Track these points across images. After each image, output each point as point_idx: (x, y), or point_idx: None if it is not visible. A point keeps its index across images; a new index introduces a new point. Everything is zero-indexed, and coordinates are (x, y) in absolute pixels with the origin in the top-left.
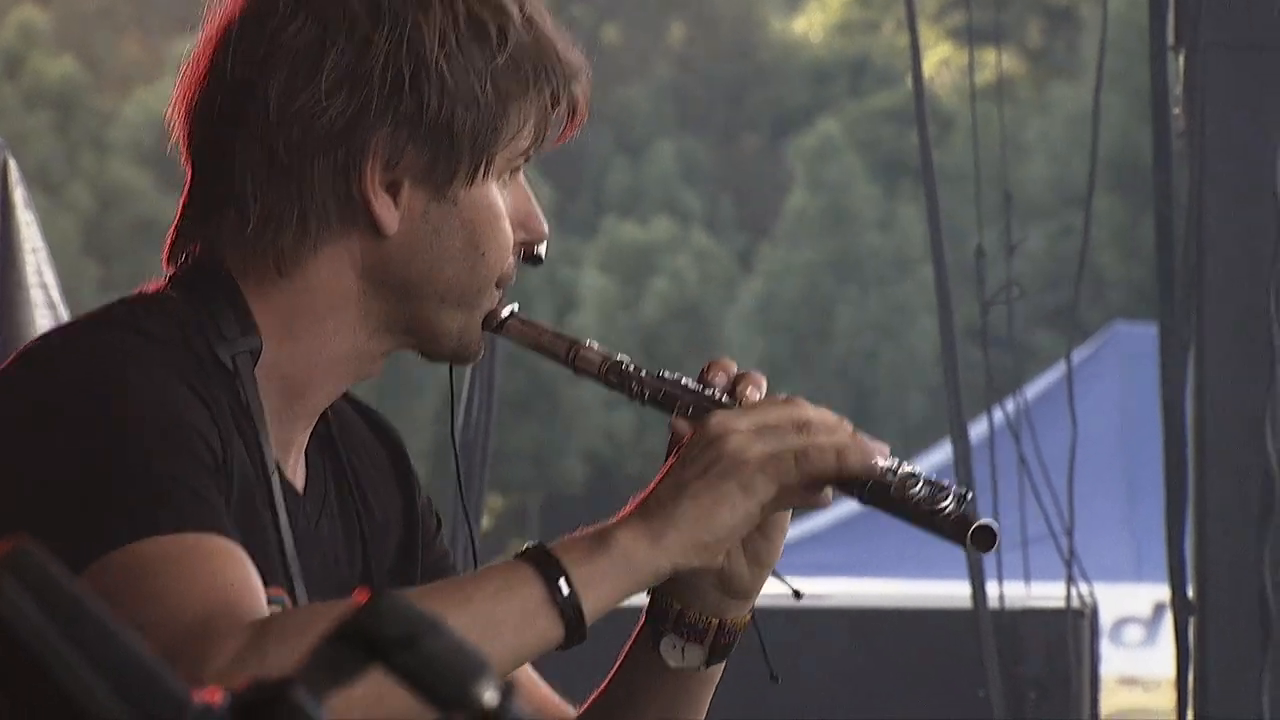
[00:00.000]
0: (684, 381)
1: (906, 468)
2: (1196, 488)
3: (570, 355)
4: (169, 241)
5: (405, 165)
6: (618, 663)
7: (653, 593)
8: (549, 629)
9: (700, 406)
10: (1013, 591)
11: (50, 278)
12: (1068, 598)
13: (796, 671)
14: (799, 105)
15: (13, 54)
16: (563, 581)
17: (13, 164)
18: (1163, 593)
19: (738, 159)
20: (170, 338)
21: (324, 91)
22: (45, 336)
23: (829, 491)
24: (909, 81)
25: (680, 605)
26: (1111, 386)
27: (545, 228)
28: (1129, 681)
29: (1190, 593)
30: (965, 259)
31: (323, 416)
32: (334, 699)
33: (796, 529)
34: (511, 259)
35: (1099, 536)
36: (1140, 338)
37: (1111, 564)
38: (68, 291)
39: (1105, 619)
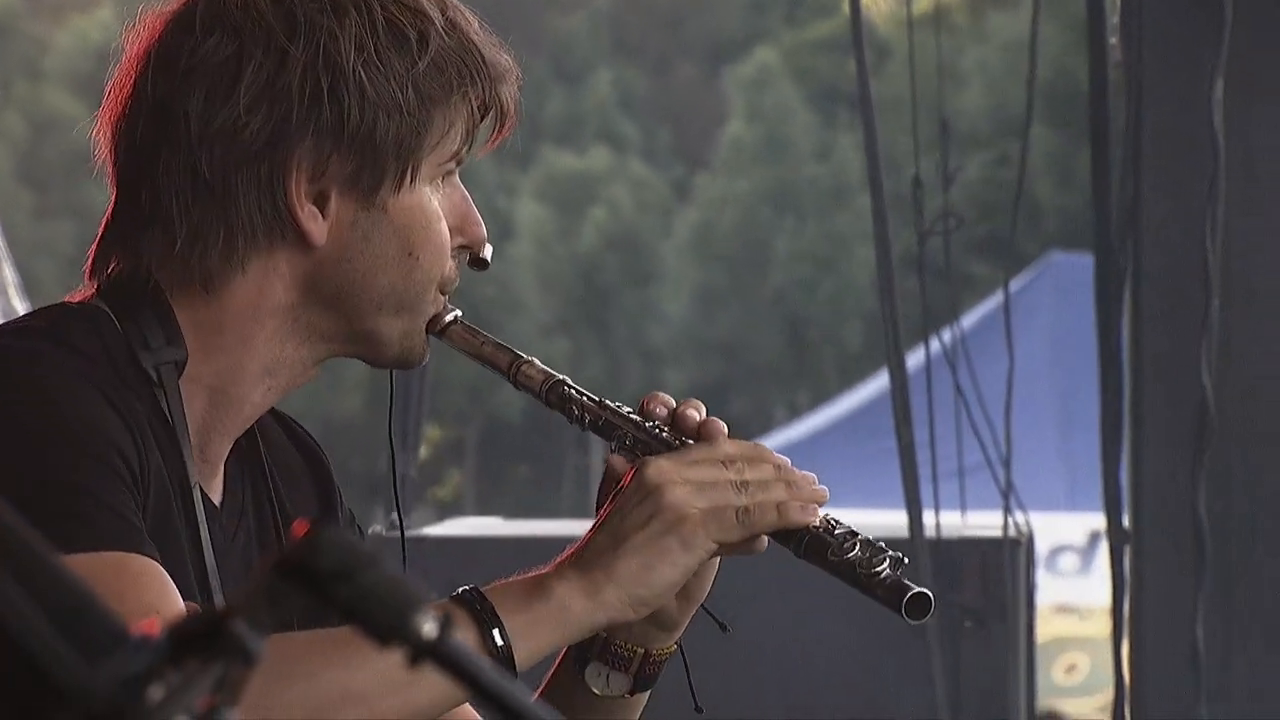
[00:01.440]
0: (625, 411)
1: (844, 525)
2: (1132, 417)
3: (512, 370)
4: (91, 255)
5: (330, 176)
6: (542, 687)
7: None
8: None
9: (639, 440)
10: (949, 521)
11: None
12: (1004, 527)
13: (732, 599)
14: (736, 34)
15: None
16: (497, 632)
17: None
18: (1097, 521)
19: (675, 88)
20: (92, 349)
21: (243, 107)
22: None
23: (764, 540)
24: (846, 10)
25: (607, 634)
26: (1047, 316)
27: (483, 231)
28: (1064, 610)
29: (1125, 521)
30: (902, 189)
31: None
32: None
33: None
34: (451, 263)
35: (1034, 466)
36: (1076, 267)
37: (1046, 493)
38: (5, 218)
39: (1040, 548)
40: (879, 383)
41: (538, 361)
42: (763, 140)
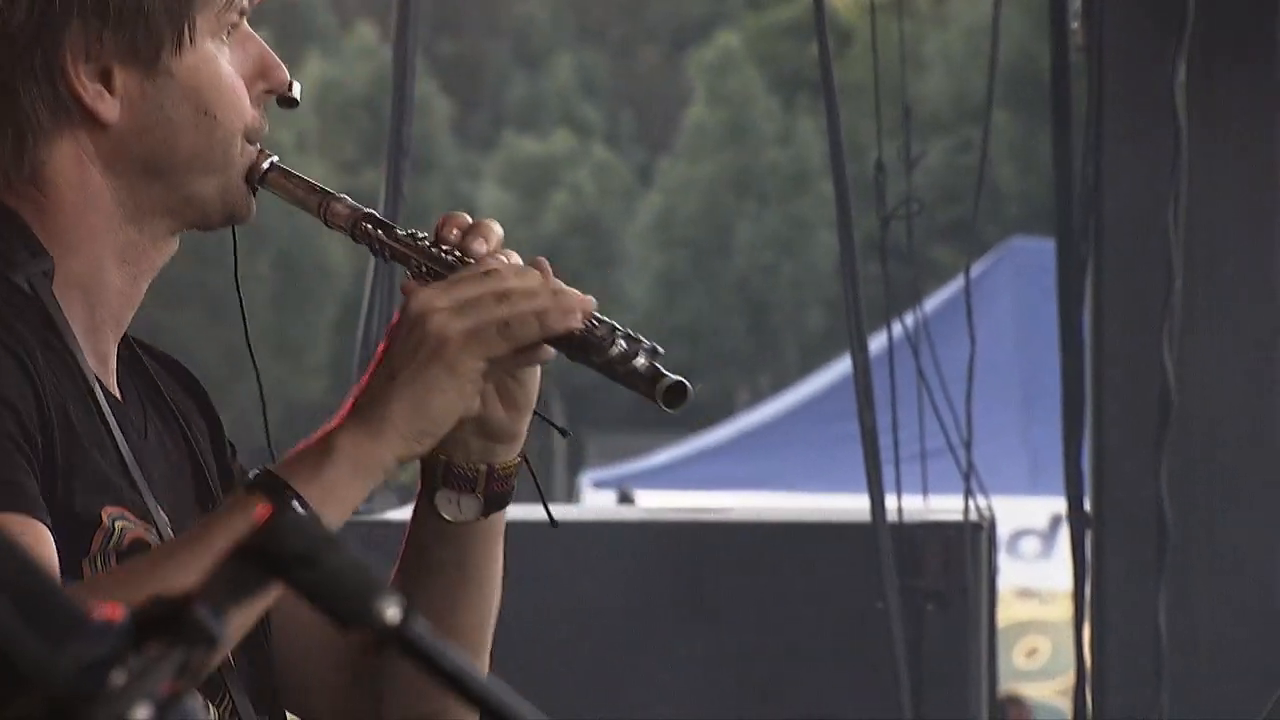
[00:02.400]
0: (423, 240)
1: (606, 322)
2: (1094, 401)
3: (321, 208)
4: None
5: (107, 52)
6: (405, 533)
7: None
8: None
9: (432, 269)
10: (911, 505)
11: None
12: (965, 511)
13: (695, 584)
14: (698, 18)
15: None
16: (296, 505)
17: None
18: (1059, 505)
19: (637, 72)
20: None
21: (3, 4)
22: None
23: (548, 350)
24: None
25: (446, 457)
26: (1009, 301)
27: (284, 73)
28: (1026, 594)
29: (1087, 505)
30: (865, 173)
31: (123, 339)
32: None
33: (694, 443)
34: (254, 111)
35: (996, 449)
36: (1038, 252)
37: (1008, 477)
38: None
39: (1002, 532)
40: (841, 367)
41: (349, 199)
42: (725, 125)
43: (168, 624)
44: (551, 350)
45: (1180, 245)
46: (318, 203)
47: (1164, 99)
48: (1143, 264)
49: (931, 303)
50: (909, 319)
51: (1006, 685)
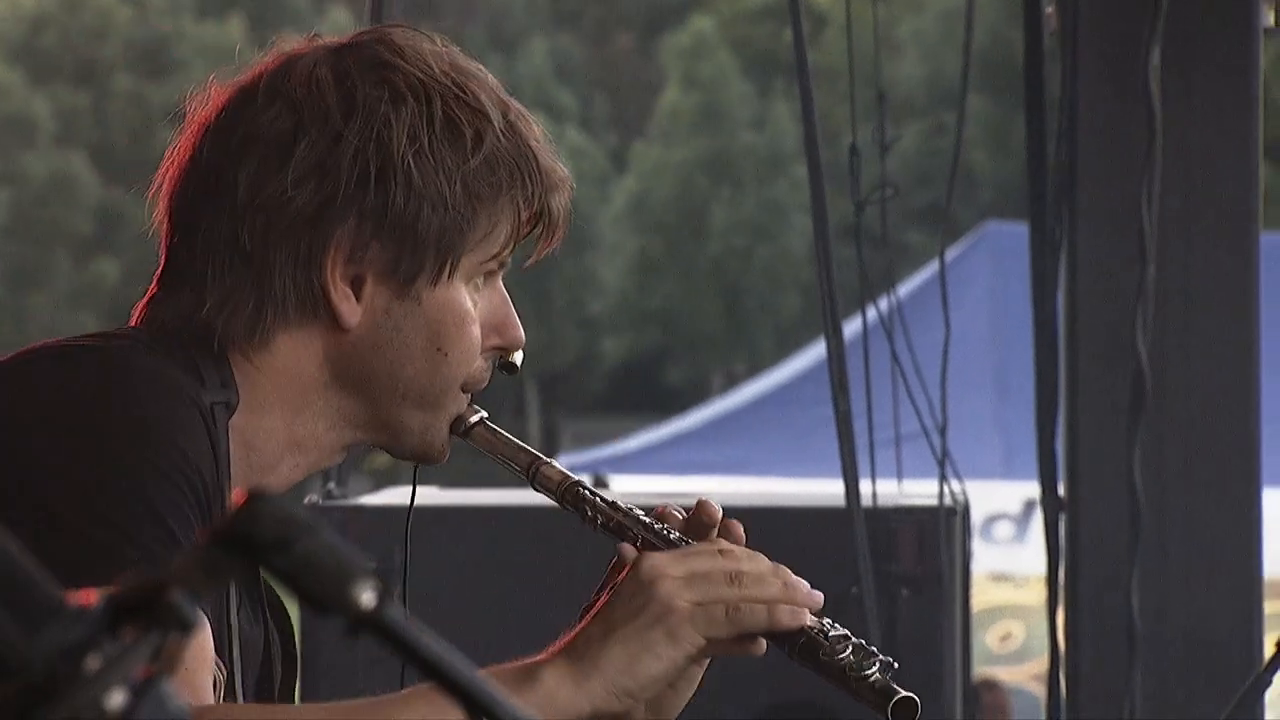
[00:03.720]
0: (638, 514)
1: (838, 628)
2: (1068, 385)
3: (531, 470)
4: (135, 316)
5: (369, 260)
6: None
7: None
8: None
9: (649, 543)
10: (885, 489)
11: None
12: (940, 495)
13: None
14: (672, 3)
15: None
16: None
17: None
18: (1032, 490)
19: (611, 57)
20: (173, 375)
21: (291, 181)
22: (52, 346)
23: (762, 643)
24: None
25: None
26: (983, 285)
27: (521, 335)
28: (1000, 578)
29: (1061, 490)
30: (839, 158)
31: None
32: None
33: (668, 428)
34: (482, 363)
35: (970, 434)
36: (1012, 236)
37: (982, 461)
38: None
39: (976, 516)
40: (815, 351)
41: (556, 463)
42: (699, 109)
43: (143, 608)
44: (764, 645)
45: (1154, 229)
46: (527, 463)
47: (1138, 83)
48: (1117, 248)
49: (906, 287)
50: (883, 303)
51: (981, 669)
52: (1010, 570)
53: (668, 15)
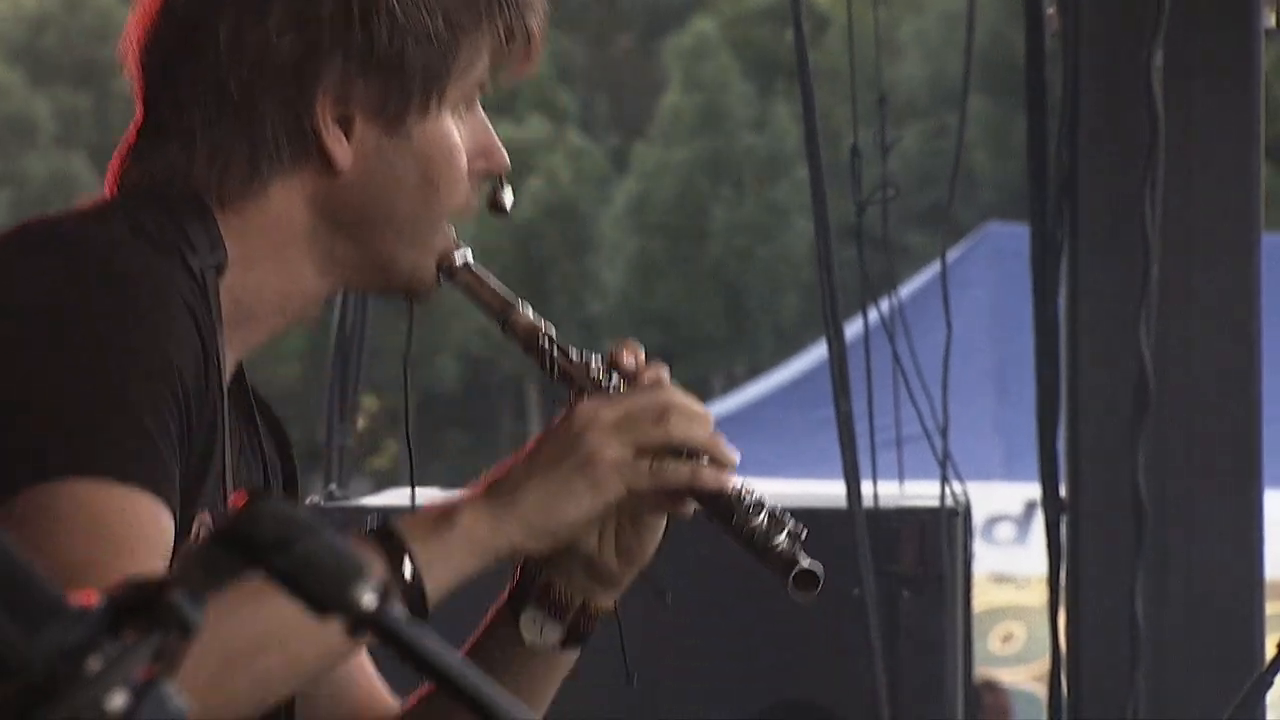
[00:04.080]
0: (592, 365)
1: (755, 493)
2: (1070, 386)
3: (503, 318)
4: (113, 171)
5: (357, 100)
6: (474, 637)
7: (522, 567)
8: None
9: (596, 396)
10: (887, 491)
11: None
12: (941, 497)
13: (670, 570)
14: (673, 4)
15: None
16: (407, 560)
17: None
18: (1034, 491)
19: (612, 58)
20: (154, 247)
21: (274, 28)
22: (35, 227)
23: (690, 505)
24: None
25: (547, 577)
26: (985, 286)
27: (505, 158)
28: (1001, 579)
29: (1062, 491)
30: (840, 159)
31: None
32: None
33: None
34: (470, 191)
35: (971, 436)
36: (1014, 237)
37: (983, 463)
38: None
39: (977, 517)
40: (817, 353)
41: (530, 312)
42: (700, 110)
43: (144, 609)
44: (691, 507)
45: (1157, 230)
46: (500, 307)
47: (1140, 84)
48: (1119, 249)
49: (907, 288)
50: (884, 305)
51: (982, 671)
52: (1012, 571)
53: (669, 16)
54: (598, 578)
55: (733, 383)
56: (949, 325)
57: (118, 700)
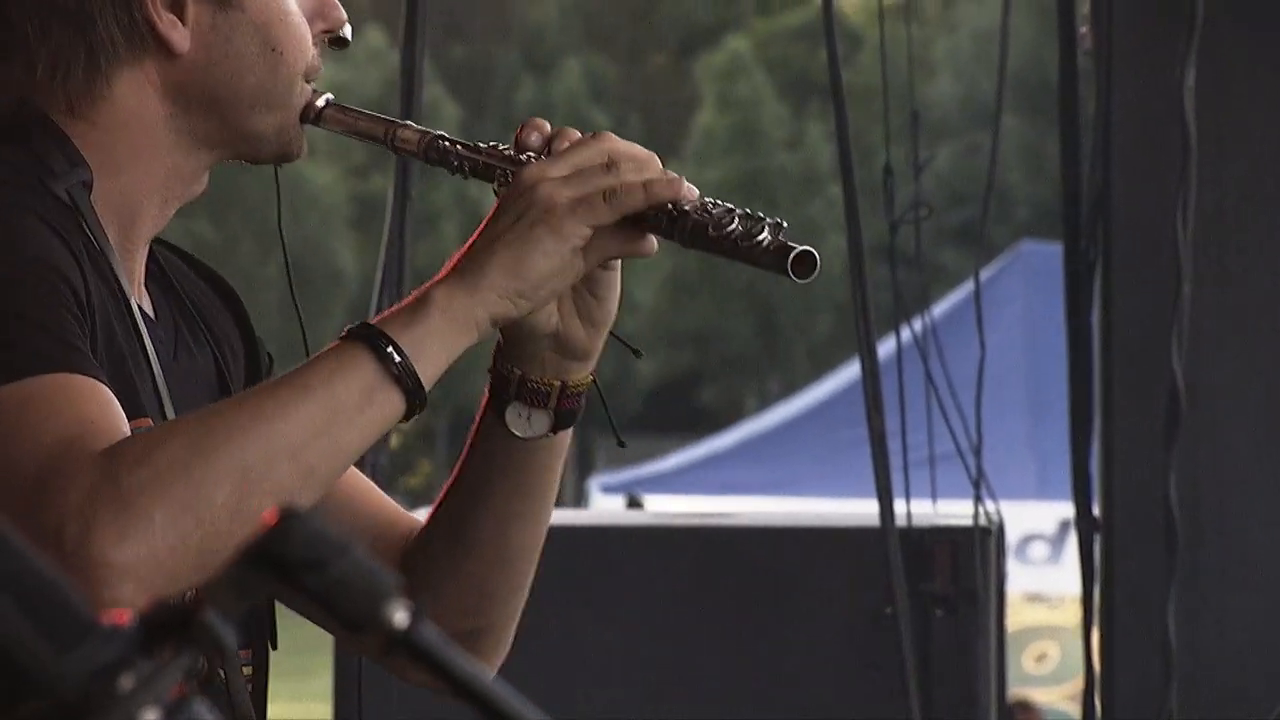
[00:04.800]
0: (503, 149)
1: (720, 205)
2: (1103, 405)
3: (389, 136)
4: None
5: None
6: (465, 449)
7: (494, 365)
8: (390, 400)
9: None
10: (920, 509)
11: None
12: (975, 515)
13: (703, 590)
14: (707, 23)
15: None
16: (392, 350)
17: None
18: (1067, 510)
19: (645, 77)
20: (8, 175)
21: None
22: None
23: (651, 240)
24: None
25: (521, 371)
26: (1018, 305)
27: (341, 13)
28: (1035, 598)
29: (1096, 510)
30: (873, 178)
31: (151, 255)
32: None
33: (703, 448)
34: (314, 50)
35: (1005, 454)
36: (1047, 256)
37: (1016, 482)
38: None
39: (1011, 536)
40: (850, 371)
41: (414, 124)
42: (734, 129)
43: (176, 628)
44: (653, 243)
45: (1189, 249)
46: (384, 130)
47: (1173, 102)
48: (1151, 267)
49: (940, 307)
50: (918, 323)
51: (1016, 690)
52: (1045, 591)
53: (702, 35)
54: (569, 353)
55: (766, 401)
56: (982, 343)
57: (150, 718)
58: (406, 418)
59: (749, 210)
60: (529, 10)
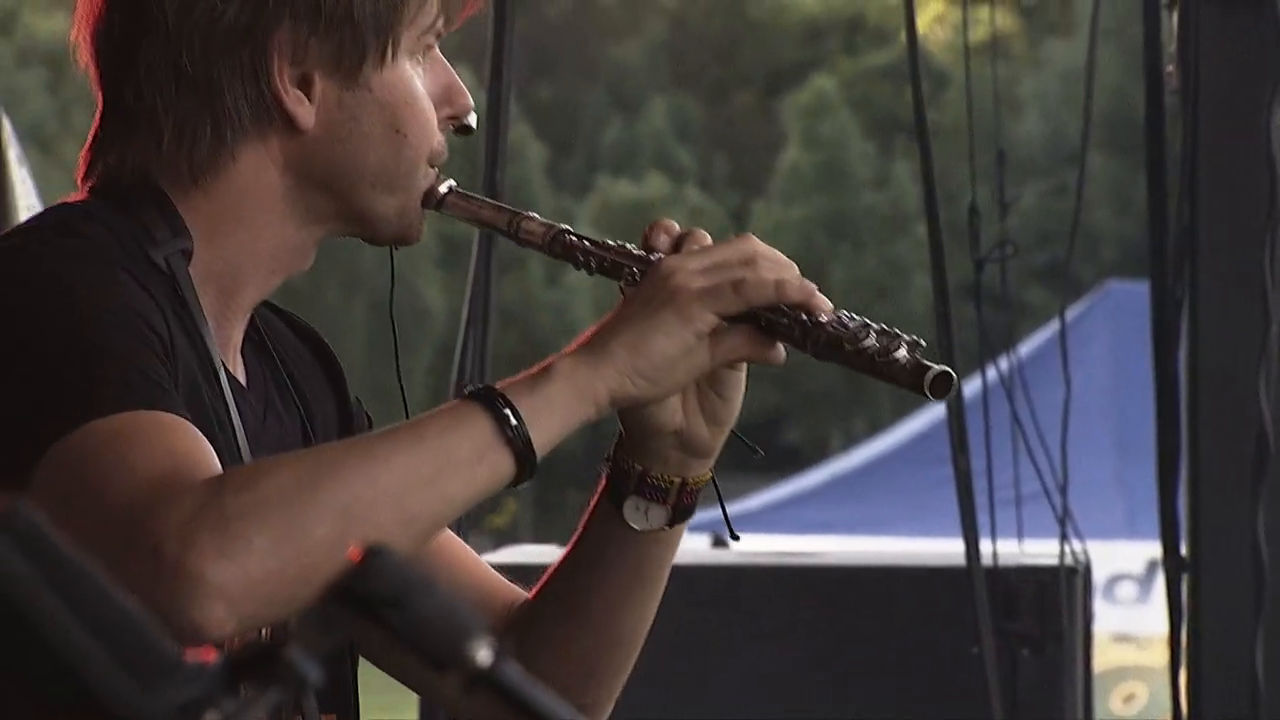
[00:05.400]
0: (630, 248)
1: (855, 318)
2: (1190, 445)
3: (513, 227)
4: (83, 161)
5: (312, 58)
6: (577, 534)
7: (613, 458)
8: (501, 463)
9: (646, 273)
10: (1006, 549)
11: None
12: (1060, 555)
13: (789, 629)
14: (792, 62)
15: (5, 11)
16: (509, 413)
17: (6, 122)
18: (1156, 550)
19: (731, 116)
20: (104, 238)
21: None
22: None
23: (780, 348)
24: (903, 38)
25: (642, 466)
26: (1104, 344)
27: (469, 100)
28: (1122, 638)
29: (1183, 550)
30: (959, 216)
31: (250, 320)
32: None
33: (788, 487)
34: (439, 136)
35: (1092, 494)
36: (1133, 295)
37: (1104, 521)
38: None
39: (1099, 576)
40: (935, 411)
41: (537, 215)
42: (819, 168)
43: (261, 666)
44: (782, 351)
45: (1277, 288)
46: (507, 220)
47: (1259, 141)
48: (1239, 307)
49: (1026, 346)
50: (1003, 362)
51: None
52: (1133, 631)
53: (788, 74)
54: (691, 450)
55: (851, 440)
56: (1068, 383)
57: None
58: (515, 482)
59: (884, 325)
60: (615, 50)
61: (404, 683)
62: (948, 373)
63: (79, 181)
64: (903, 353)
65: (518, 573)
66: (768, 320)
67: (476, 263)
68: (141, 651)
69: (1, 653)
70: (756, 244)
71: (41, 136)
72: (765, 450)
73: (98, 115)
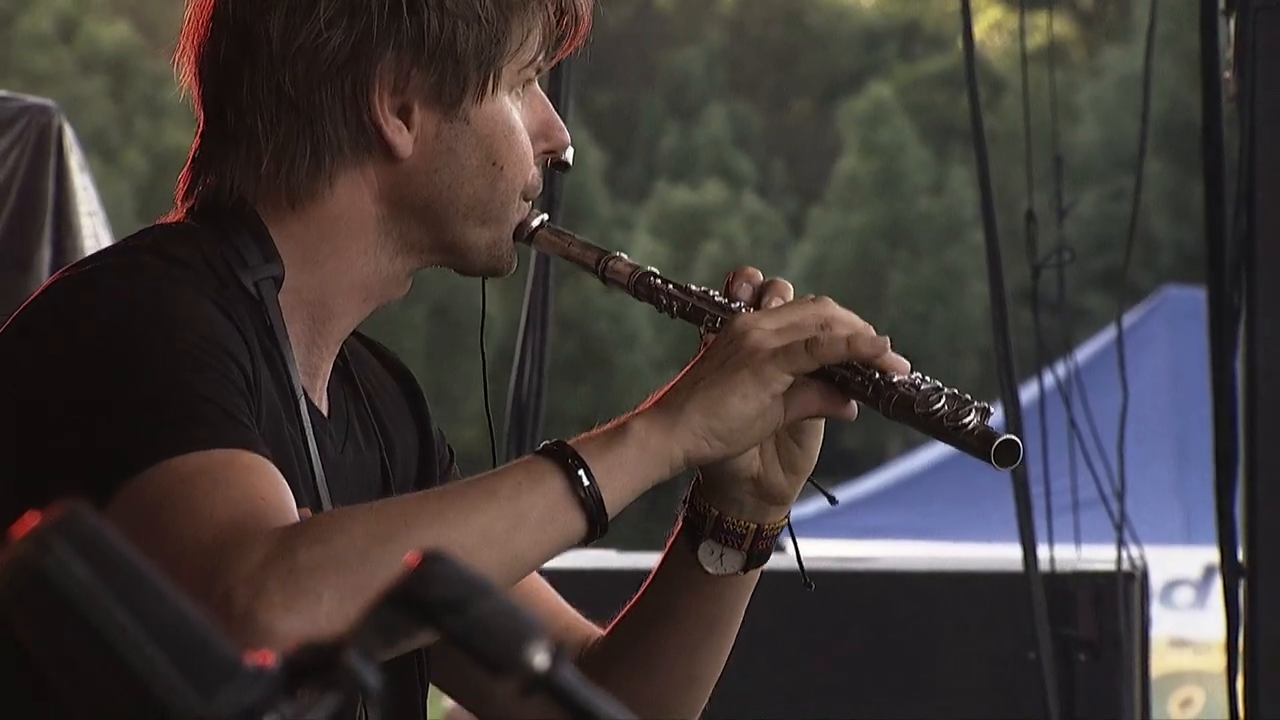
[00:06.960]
0: (712, 295)
1: (927, 381)
2: (1246, 451)
3: (600, 266)
4: (183, 181)
5: (413, 88)
6: (652, 575)
7: (690, 501)
8: (572, 523)
9: (727, 321)
10: (1063, 554)
11: (106, 241)
12: (1118, 560)
13: (847, 633)
14: (850, 69)
15: (68, 19)
16: (583, 473)
17: (68, 129)
18: (1212, 555)
19: (789, 123)
20: (196, 262)
21: (324, 23)
22: (76, 264)
23: (853, 405)
24: (960, 45)
25: (718, 511)
26: (1162, 350)
27: (567, 136)
28: (1179, 644)
29: (1240, 555)
30: (1016, 223)
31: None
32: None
33: (848, 492)
34: (535, 170)
35: (1149, 499)
36: (1191, 301)
37: (1161, 527)
38: None
39: (1156, 581)
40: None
41: (625, 256)
42: (877, 174)
43: (319, 670)
44: (854, 408)
45: None
46: (595, 259)
47: None
48: None
49: (1083, 352)
50: (1061, 368)
51: None
52: (1191, 636)
53: (845, 82)
54: (767, 497)
55: (909, 446)
56: (1125, 389)
57: None
58: (586, 541)
59: (955, 390)
60: (674, 57)
61: (455, 695)
62: (1014, 441)
63: (178, 201)
64: (972, 419)
65: (575, 577)
66: (841, 377)
67: (535, 269)
68: (201, 655)
69: (62, 656)
70: (833, 306)
71: (103, 144)
72: (822, 456)
73: (198, 135)
